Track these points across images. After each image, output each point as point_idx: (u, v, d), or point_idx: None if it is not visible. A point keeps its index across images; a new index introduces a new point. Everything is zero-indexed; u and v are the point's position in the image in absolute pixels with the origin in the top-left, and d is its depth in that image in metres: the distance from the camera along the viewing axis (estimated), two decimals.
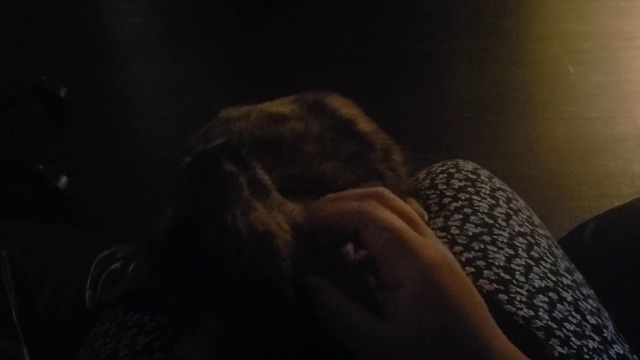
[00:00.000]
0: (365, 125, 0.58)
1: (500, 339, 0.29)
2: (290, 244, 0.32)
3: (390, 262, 0.30)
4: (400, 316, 0.29)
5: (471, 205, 0.53)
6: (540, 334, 0.42)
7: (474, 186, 0.55)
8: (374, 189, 0.33)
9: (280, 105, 0.58)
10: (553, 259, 0.50)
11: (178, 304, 0.33)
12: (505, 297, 0.44)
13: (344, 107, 0.59)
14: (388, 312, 0.29)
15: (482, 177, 0.57)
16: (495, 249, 0.48)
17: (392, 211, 0.32)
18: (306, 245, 0.33)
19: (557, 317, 0.44)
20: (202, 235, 0.32)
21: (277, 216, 0.33)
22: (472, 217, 0.52)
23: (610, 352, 0.43)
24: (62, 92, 1.62)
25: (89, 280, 0.63)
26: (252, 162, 0.35)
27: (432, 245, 0.30)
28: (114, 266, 0.67)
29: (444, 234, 0.51)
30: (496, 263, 0.47)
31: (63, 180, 1.35)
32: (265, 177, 0.35)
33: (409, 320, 0.29)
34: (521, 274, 0.46)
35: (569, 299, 0.46)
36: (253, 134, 0.52)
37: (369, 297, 0.31)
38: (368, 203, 0.32)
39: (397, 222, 0.31)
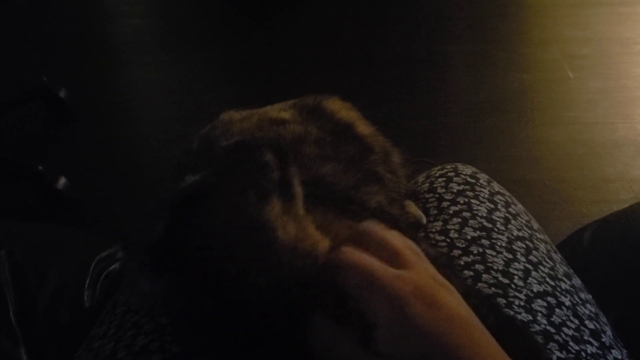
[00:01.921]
0: (364, 128, 0.59)
1: (487, 355, 0.29)
2: (285, 247, 0.32)
3: (365, 303, 0.31)
4: (385, 354, 0.30)
5: (470, 209, 0.53)
6: (539, 338, 0.42)
7: (472, 190, 0.56)
8: (359, 228, 0.34)
9: (281, 110, 0.58)
10: (551, 263, 0.51)
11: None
12: (504, 301, 0.44)
13: (342, 110, 0.59)
14: (376, 348, 0.30)
15: (481, 181, 0.58)
16: (494, 253, 0.49)
17: (374, 246, 0.33)
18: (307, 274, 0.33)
19: (556, 321, 0.44)
20: (213, 204, 0.33)
21: (288, 221, 0.33)
22: (470, 221, 0.52)
23: (608, 357, 0.43)
24: (63, 94, 1.62)
25: (88, 281, 0.63)
26: (292, 167, 0.36)
27: (404, 278, 0.31)
28: (113, 267, 0.67)
29: (442, 237, 0.51)
30: (495, 267, 0.47)
31: (62, 181, 1.35)
32: (297, 188, 0.36)
33: (394, 356, 0.29)
34: (520, 278, 0.47)
35: (567, 303, 0.46)
36: (254, 135, 0.52)
37: (360, 334, 0.31)
38: (342, 249, 0.33)
39: (366, 261, 0.32)
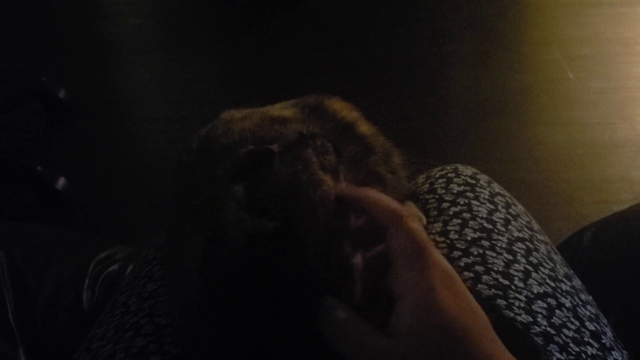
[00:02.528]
0: (365, 128, 0.58)
1: (500, 355, 0.30)
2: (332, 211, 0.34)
3: (402, 270, 0.31)
4: (403, 332, 0.30)
5: (470, 210, 0.53)
6: (539, 340, 0.42)
7: (473, 191, 0.56)
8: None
9: (282, 109, 0.58)
10: (552, 264, 0.50)
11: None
12: (504, 303, 0.44)
13: (344, 110, 0.59)
14: (393, 327, 0.30)
15: (481, 182, 0.57)
16: (494, 254, 0.48)
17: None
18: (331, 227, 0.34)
19: (556, 323, 0.44)
20: (280, 164, 0.35)
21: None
22: (470, 222, 0.51)
23: (608, 359, 0.43)
24: (62, 94, 1.62)
25: (86, 282, 0.63)
26: (343, 161, 0.40)
27: (439, 262, 0.31)
28: (112, 268, 0.67)
29: (442, 238, 0.51)
30: (495, 268, 0.47)
31: (61, 182, 1.35)
32: (342, 178, 0.38)
33: (411, 338, 0.29)
34: (520, 279, 0.46)
35: (568, 305, 0.46)
36: (255, 133, 0.52)
37: (375, 312, 0.31)
38: (405, 209, 0.33)
39: (425, 235, 0.32)
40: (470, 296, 0.31)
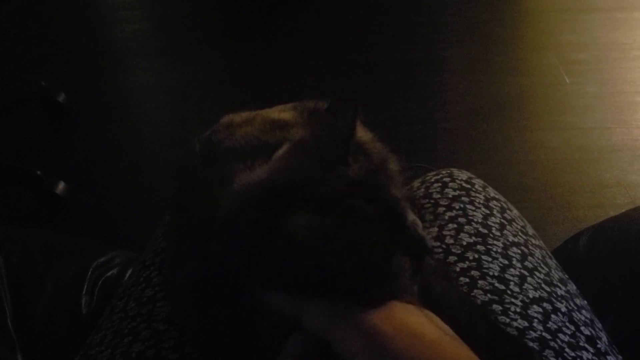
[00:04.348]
0: (362, 134, 0.59)
1: None
2: None
3: (340, 340, 0.30)
4: None
5: (465, 215, 0.53)
6: (535, 345, 0.42)
7: (468, 195, 0.56)
8: None
9: (281, 112, 0.58)
10: (547, 269, 0.51)
11: None
12: (500, 308, 0.44)
13: None
14: None
15: (477, 186, 0.58)
16: (490, 259, 0.49)
17: None
18: None
19: (552, 328, 0.44)
20: None
21: None
22: (466, 227, 0.52)
23: None
24: (61, 98, 1.62)
25: (85, 287, 0.63)
26: None
27: (380, 314, 0.31)
28: (110, 273, 0.67)
29: (438, 243, 0.51)
30: (490, 273, 0.47)
31: (61, 186, 1.35)
32: None
33: None
34: (515, 284, 0.47)
35: (563, 309, 0.46)
36: (259, 138, 0.52)
37: None
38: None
39: (333, 305, 0.31)
40: (420, 325, 0.31)
